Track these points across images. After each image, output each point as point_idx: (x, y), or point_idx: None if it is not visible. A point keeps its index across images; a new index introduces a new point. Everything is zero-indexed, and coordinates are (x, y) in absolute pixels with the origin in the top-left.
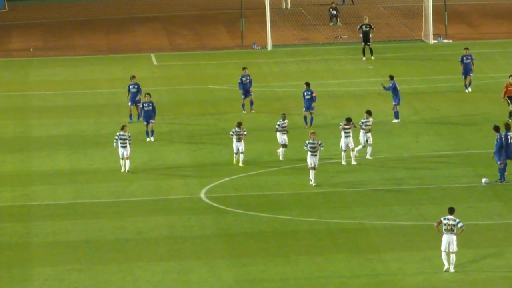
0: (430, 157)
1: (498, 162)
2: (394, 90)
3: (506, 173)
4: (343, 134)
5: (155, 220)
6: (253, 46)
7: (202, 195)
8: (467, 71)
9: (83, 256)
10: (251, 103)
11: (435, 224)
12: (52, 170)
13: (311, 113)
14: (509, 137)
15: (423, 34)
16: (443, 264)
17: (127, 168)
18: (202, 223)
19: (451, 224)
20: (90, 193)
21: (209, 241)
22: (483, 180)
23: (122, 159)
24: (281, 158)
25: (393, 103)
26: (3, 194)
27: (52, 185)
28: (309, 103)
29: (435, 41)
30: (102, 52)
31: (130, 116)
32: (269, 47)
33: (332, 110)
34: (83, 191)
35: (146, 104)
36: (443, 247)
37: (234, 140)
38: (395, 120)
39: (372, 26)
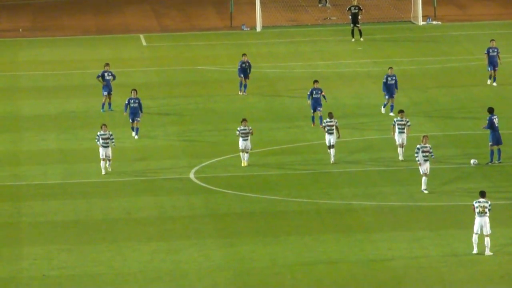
0: (419, 138)
1: (490, 144)
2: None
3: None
4: (397, 129)
5: (144, 200)
6: (242, 27)
7: (191, 176)
8: (493, 64)
9: (72, 236)
10: (245, 86)
11: (472, 207)
12: (42, 150)
13: (319, 112)
14: (494, 120)
15: (412, 15)
16: (473, 247)
17: (108, 169)
18: (191, 203)
19: (483, 206)
20: (79, 173)
21: (198, 221)
22: (472, 161)
23: (103, 159)
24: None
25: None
26: None
27: (42, 165)
28: (319, 102)
29: (424, 23)
30: (91, 33)
31: (103, 105)
32: (258, 28)
33: None
34: (73, 171)
35: (132, 101)
36: (475, 230)
37: (240, 139)
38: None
39: (361, 8)
